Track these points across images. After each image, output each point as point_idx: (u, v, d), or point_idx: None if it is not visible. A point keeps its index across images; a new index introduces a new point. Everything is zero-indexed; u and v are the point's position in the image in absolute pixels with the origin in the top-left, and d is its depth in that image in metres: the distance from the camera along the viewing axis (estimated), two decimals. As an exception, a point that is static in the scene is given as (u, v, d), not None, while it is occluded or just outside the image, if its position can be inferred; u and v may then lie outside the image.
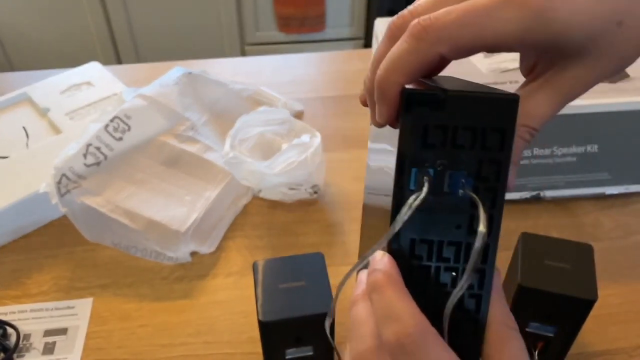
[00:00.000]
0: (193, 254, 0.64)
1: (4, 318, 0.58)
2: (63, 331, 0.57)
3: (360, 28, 2.06)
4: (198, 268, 0.63)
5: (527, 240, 0.49)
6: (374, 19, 0.82)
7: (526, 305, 0.47)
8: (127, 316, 0.58)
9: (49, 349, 0.55)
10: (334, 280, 0.42)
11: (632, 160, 0.67)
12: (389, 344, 0.26)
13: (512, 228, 0.67)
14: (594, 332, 0.56)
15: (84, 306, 0.59)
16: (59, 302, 0.60)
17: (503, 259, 0.63)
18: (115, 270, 0.63)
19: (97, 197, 0.63)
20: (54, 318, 0.58)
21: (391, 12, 1.96)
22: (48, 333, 0.57)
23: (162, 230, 0.62)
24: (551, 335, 0.48)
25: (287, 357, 0.45)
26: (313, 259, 0.47)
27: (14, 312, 0.59)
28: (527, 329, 0.48)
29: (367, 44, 2.09)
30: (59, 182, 0.61)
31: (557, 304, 0.46)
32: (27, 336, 0.57)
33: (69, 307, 0.59)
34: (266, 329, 0.43)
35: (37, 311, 0.59)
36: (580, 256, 0.48)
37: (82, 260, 0.64)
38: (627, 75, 0.64)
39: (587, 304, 0.45)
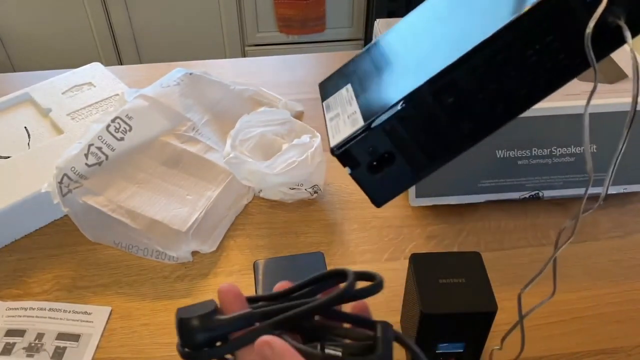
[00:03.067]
0: (194, 253, 0.64)
1: (22, 314, 0.58)
2: (75, 337, 0.56)
3: (360, 29, 2.06)
4: (199, 267, 0.63)
5: (418, 262, 0.49)
6: (374, 20, 0.83)
7: (432, 329, 0.47)
8: (128, 315, 0.59)
9: (58, 353, 0.55)
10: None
11: (630, 161, 0.67)
12: None
13: (510, 227, 0.67)
14: (592, 331, 0.57)
15: (101, 314, 0.59)
16: (77, 304, 0.59)
17: (500, 258, 0.64)
18: (117, 269, 0.63)
19: (99, 196, 0.64)
20: (70, 322, 0.58)
21: (391, 13, 1.97)
22: (61, 336, 0.56)
23: (164, 229, 0.63)
24: (461, 350, 0.49)
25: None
26: (313, 258, 0.48)
27: (33, 309, 0.59)
28: (437, 351, 0.49)
29: (367, 44, 2.09)
30: (60, 182, 0.61)
31: (461, 323, 0.47)
32: (40, 335, 0.56)
33: (85, 313, 0.59)
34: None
35: (55, 311, 0.59)
36: (472, 266, 0.48)
37: (84, 260, 0.64)
38: (625, 76, 0.65)
39: (489, 316, 0.46)
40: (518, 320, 0.45)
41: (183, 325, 0.30)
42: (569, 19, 0.33)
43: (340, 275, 0.31)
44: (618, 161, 0.36)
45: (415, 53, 0.40)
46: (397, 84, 0.38)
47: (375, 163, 0.38)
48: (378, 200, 0.40)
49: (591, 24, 0.31)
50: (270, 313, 0.30)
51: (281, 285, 0.33)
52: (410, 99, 0.36)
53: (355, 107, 0.39)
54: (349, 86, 0.42)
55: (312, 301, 0.30)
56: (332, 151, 0.39)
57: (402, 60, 0.41)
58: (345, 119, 0.40)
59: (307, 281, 0.32)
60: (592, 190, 0.68)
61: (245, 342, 0.30)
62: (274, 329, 0.30)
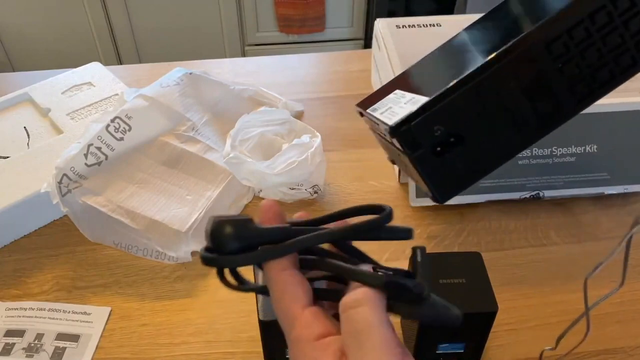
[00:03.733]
0: (194, 253, 0.64)
1: (22, 314, 0.58)
2: (75, 338, 0.56)
3: (360, 29, 2.06)
4: (199, 267, 0.63)
5: None
6: (373, 19, 0.83)
7: (432, 330, 0.47)
8: (128, 315, 0.59)
9: (58, 354, 0.55)
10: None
11: (631, 160, 0.67)
12: None
13: (511, 228, 0.67)
14: (593, 331, 0.56)
15: (100, 314, 0.58)
16: (76, 305, 0.59)
17: (500, 258, 0.63)
18: (116, 269, 0.63)
19: (98, 197, 0.63)
20: (69, 322, 0.58)
21: (391, 13, 1.97)
22: (60, 337, 0.56)
23: (163, 229, 0.62)
24: (461, 351, 0.49)
25: (287, 356, 0.46)
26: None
27: (32, 309, 0.59)
28: (437, 351, 0.49)
29: (367, 44, 2.09)
30: (60, 182, 0.61)
31: (461, 323, 0.46)
32: (39, 336, 0.56)
33: (85, 313, 0.59)
34: (266, 328, 0.43)
35: (55, 311, 0.58)
36: (472, 267, 0.48)
37: (83, 260, 0.64)
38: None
39: (489, 316, 0.46)
40: (584, 312, 0.43)
41: (215, 228, 0.28)
42: None
43: (377, 210, 0.30)
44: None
45: (475, 48, 0.38)
46: (465, 66, 0.35)
47: (440, 147, 0.34)
48: (441, 192, 0.36)
49: None
50: (308, 232, 0.29)
51: (301, 215, 0.31)
52: (488, 66, 0.33)
53: (412, 95, 0.35)
54: (397, 91, 0.39)
55: (346, 228, 0.29)
56: (392, 131, 0.34)
57: (462, 56, 0.39)
58: (402, 105, 0.35)
59: (346, 211, 0.31)
60: (594, 190, 0.69)
61: (275, 255, 0.28)
62: (310, 244, 0.28)
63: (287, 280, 0.28)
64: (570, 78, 0.34)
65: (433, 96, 0.33)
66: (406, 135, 0.34)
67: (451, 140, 0.34)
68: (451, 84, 0.33)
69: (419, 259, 0.29)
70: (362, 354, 0.25)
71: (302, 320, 0.28)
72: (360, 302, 0.27)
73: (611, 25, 0.32)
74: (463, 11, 1.78)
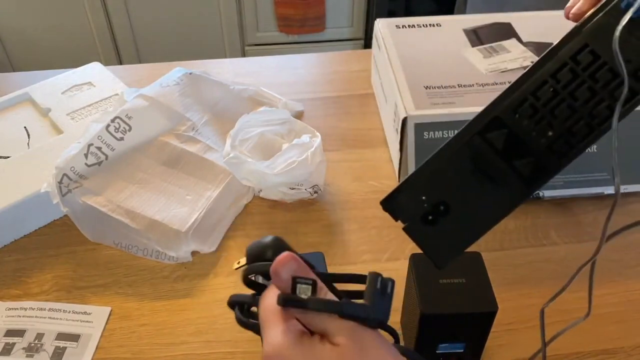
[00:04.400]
0: (194, 253, 0.64)
1: (22, 314, 0.58)
2: (75, 338, 0.56)
3: (360, 29, 2.06)
4: (199, 267, 0.63)
5: (418, 262, 0.49)
6: (374, 19, 0.83)
7: (432, 330, 0.47)
8: (128, 315, 0.59)
9: (58, 354, 0.55)
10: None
11: (631, 161, 0.67)
12: None
13: (511, 227, 0.67)
14: (593, 331, 0.57)
15: (100, 314, 0.58)
16: (76, 305, 0.59)
17: (500, 258, 0.63)
18: (116, 269, 0.63)
19: (98, 196, 0.64)
20: (69, 322, 0.58)
21: (391, 13, 1.97)
22: (60, 337, 0.56)
23: (163, 229, 0.62)
24: (461, 350, 0.49)
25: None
26: (313, 258, 0.48)
27: (32, 309, 0.59)
28: (437, 351, 0.49)
29: (367, 44, 2.09)
30: (60, 182, 0.61)
31: (461, 323, 0.47)
32: (40, 336, 0.56)
33: (85, 313, 0.59)
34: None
35: (55, 311, 0.58)
36: (472, 267, 0.48)
37: (83, 260, 0.64)
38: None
39: (489, 316, 0.46)
40: (541, 347, 0.44)
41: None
42: None
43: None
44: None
45: None
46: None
47: (430, 215, 0.36)
48: (438, 260, 0.38)
49: None
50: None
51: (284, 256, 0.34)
52: (460, 137, 0.34)
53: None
54: None
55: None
56: (382, 206, 0.37)
57: None
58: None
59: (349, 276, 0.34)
60: (594, 190, 0.69)
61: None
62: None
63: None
64: (545, 137, 0.34)
65: (416, 169, 0.35)
66: (394, 208, 0.36)
67: (440, 208, 0.36)
68: (430, 156, 0.35)
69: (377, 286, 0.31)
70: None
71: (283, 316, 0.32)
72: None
73: (577, 80, 0.33)
74: (463, 11, 1.77)
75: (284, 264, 0.32)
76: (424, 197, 0.36)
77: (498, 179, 0.35)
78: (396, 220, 0.37)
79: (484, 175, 0.35)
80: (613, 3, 0.32)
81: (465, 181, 0.35)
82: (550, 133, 0.34)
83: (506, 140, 0.34)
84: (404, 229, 0.37)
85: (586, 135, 0.34)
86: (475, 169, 0.35)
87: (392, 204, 0.36)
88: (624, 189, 0.68)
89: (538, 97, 0.34)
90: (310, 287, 0.31)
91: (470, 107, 0.65)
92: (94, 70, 0.86)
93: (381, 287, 0.31)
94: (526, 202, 0.69)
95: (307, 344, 0.30)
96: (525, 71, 0.34)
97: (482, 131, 0.34)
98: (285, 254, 0.33)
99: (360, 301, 0.31)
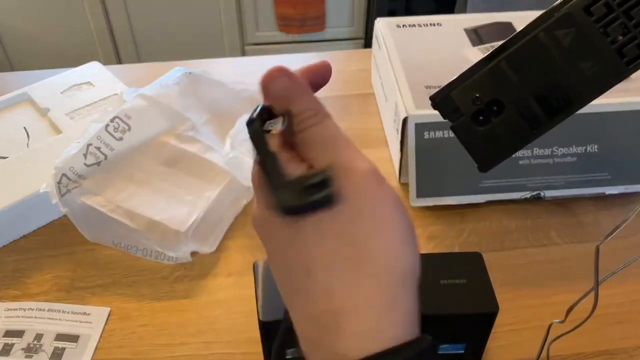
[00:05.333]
0: (193, 253, 0.64)
1: (21, 314, 0.58)
2: (74, 338, 0.56)
3: (360, 28, 2.06)
4: (198, 268, 0.63)
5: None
6: (374, 19, 0.83)
7: (432, 330, 0.47)
8: (127, 316, 0.58)
9: (57, 354, 0.55)
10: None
11: (632, 160, 0.67)
12: None
13: (511, 228, 0.67)
14: (594, 332, 0.56)
15: (99, 315, 0.58)
16: (76, 305, 0.59)
17: (501, 258, 0.63)
18: (116, 270, 0.63)
19: (98, 197, 0.63)
20: (68, 322, 0.57)
21: (391, 13, 1.97)
22: (60, 337, 0.56)
23: (163, 230, 0.62)
24: (462, 351, 0.49)
25: (288, 357, 0.45)
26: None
27: (31, 309, 0.58)
28: (437, 352, 0.48)
29: (367, 44, 2.09)
30: (59, 182, 0.61)
31: (461, 324, 0.47)
32: (39, 336, 0.56)
33: (84, 313, 0.58)
34: (266, 329, 0.43)
35: (54, 312, 0.58)
36: (473, 267, 0.48)
37: (83, 260, 0.64)
38: (627, 75, 0.64)
39: (490, 317, 0.46)
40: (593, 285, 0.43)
41: None
42: None
43: None
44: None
45: None
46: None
47: (480, 115, 0.34)
48: (483, 162, 0.36)
49: None
50: None
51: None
52: (523, 35, 0.32)
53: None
54: None
55: None
56: (431, 101, 0.34)
57: None
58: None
59: None
60: (594, 190, 0.68)
61: None
62: None
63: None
64: (615, 40, 0.32)
65: (472, 65, 0.33)
66: (444, 104, 0.34)
67: (493, 108, 0.34)
68: (488, 53, 0.33)
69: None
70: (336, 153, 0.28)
71: None
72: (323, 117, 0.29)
73: None
74: (463, 11, 1.77)
75: (273, 78, 0.28)
76: (477, 95, 0.34)
77: (560, 80, 0.33)
78: (445, 117, 0.35)
79: (544, 75, 0.33)
80: None
81: (523, 81, 0.34)
82: (620, 37, 0.33)
83: (574, 39, 0.33)
84: (451, 127, 0.35)
85: None
86: (536, 67, 0.33)
87: (442, 99, 0.34)
88: (626, 189, 0.68)
89: None
90: (282, 120, 0.27)
91: (471, 107, 0.65)
92: (93, 70, 0.86)
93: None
94: (527, 202, 0.69)
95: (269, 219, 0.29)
96: None
97: (549, 27, 0.33)
98: (276, 66, 0.28)
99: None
